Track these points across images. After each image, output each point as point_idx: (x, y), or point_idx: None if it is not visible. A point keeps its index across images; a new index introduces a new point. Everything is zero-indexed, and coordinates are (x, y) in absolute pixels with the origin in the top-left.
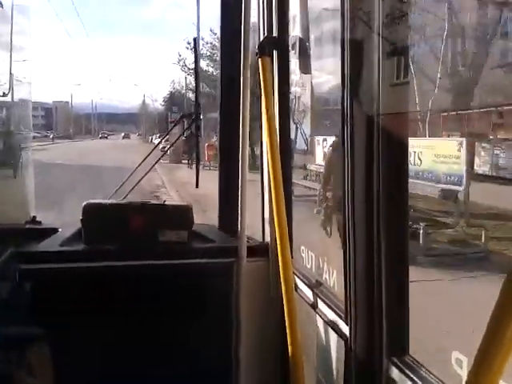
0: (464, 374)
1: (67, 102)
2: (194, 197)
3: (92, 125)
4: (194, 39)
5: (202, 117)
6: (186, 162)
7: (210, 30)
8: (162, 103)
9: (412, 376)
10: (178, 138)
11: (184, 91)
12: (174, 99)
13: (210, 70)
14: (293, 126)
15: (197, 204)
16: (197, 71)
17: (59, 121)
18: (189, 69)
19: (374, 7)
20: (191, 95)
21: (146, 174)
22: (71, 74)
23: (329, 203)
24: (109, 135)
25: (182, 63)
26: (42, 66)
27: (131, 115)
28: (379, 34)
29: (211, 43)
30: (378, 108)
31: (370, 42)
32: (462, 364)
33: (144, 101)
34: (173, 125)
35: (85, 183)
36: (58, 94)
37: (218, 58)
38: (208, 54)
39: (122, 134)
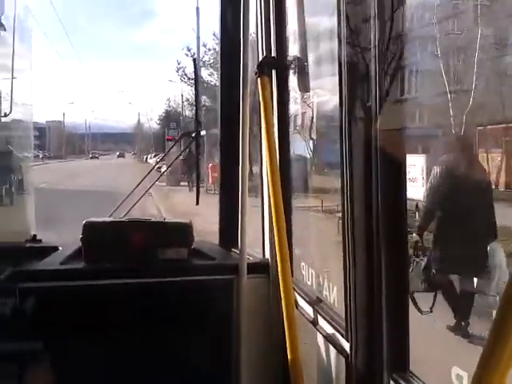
0: None
1: (60, 122)
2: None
3: (86, 144)
4: (194, 59)
5: (203, 133)
6: (186, 184)
7: (213, 35)
8: (158, 122)
9: None
10: (177, 157)
11: (180, 109)
12: (169, 117)
13: (214, 80)
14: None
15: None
16: (197, 89)
17: (52, 141)
18: (188, 78)
19: (369, 25)
20: (188, 112)
21: (145, 192)
22: (65, 94)
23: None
24: (103, 154)
25: (181, 72)
26: (36, 86)
27: (126, 135)
28: (376, 52)
29: (214, 49)
30: (375, 125)
31: (366, 60)
32: None
33: (139, 120)
34: (172, 144)
35: (68, 211)
36: (52, 114)
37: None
38: (211, 60)
39: (117, 153)
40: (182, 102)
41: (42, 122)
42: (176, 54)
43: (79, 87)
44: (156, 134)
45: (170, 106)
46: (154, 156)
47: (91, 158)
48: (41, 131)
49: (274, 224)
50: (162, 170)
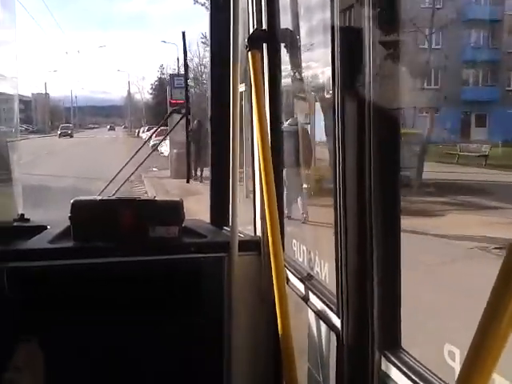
0: None
1: (48, 94)
2: None
3: (72, 118)
4: (183, 33)
5: None
6: (200, 177)
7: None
8: (150, 91)
9: (404, 369)
10: (170, 131)
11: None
12: (163, 86)
13: None
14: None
15: None
16: (186, 64)
17: (38, 114)
18: None
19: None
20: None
21: (136, 169)
22: (49, 65)
23: None
24: (90, 128)
25: None
26: (21, 58)
27: (116, 107)
28: (370, 25)
29: None
30: (369, 102)
31: (360, 33)
32: None
33: (129, 90)
34: (164, 119)
35: None
36: (37, 86)
37: None
38: None
39: (108, 127)
40: (179, 65)
41: (27, 94)
42: (165, 24)
43: (64, 57)
44: (148, 104)
45: (163, 74)
46: (148, 130)
47: (60, 135)
48: (26, 104)
49: (266, 201)
50: (162, 149)
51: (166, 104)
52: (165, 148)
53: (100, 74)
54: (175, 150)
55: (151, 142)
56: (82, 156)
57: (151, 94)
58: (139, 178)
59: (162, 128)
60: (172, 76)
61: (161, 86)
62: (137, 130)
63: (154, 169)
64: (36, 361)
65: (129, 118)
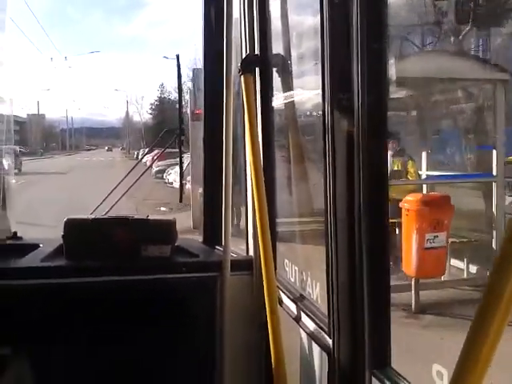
0: None
1: (43, 115)
2: None
3: (67, 139)
4: (177, 56)
5: None
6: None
7: None
8: (150, 111)
9: None
10: (163, 151)
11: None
12: (164, 105)
13: None
14: None
15: None
16: (180, 88)
17: (33, 135)
18: None
19: (352, 23)
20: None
21: (129, 188)
22: (44, 84)
23: None
24: (87, 150)
25: None
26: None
27: (114, 129)
28: (358, 49)
29: None
30: (358, 123)
31: (349, 56)
32: None
33: (127, 110)
34: (158, 139)
35: None
36: (33, 108)
37: None
38: None
39: (106, 148)
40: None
41: (22, 115)
42: (163, 46)
43: (60, 78)
44: (148, 125)
45: (163, 93)
46: (149, 152)
47: None
48: (21, 125)
49: (258, 221)
50: (170, 178)
51: (165, 124)
52: (173, 176)
53: (97, 94)
54: (201, 190)
55: (154, 168)
56: (68, 184)
57: (151, 113)
58: None
59: (168, 150)
60: (196, 72)
61: (161, 105)
62: (136, 152)
63: (163, 208)
64: (27, 380)
65: (127, 139)
